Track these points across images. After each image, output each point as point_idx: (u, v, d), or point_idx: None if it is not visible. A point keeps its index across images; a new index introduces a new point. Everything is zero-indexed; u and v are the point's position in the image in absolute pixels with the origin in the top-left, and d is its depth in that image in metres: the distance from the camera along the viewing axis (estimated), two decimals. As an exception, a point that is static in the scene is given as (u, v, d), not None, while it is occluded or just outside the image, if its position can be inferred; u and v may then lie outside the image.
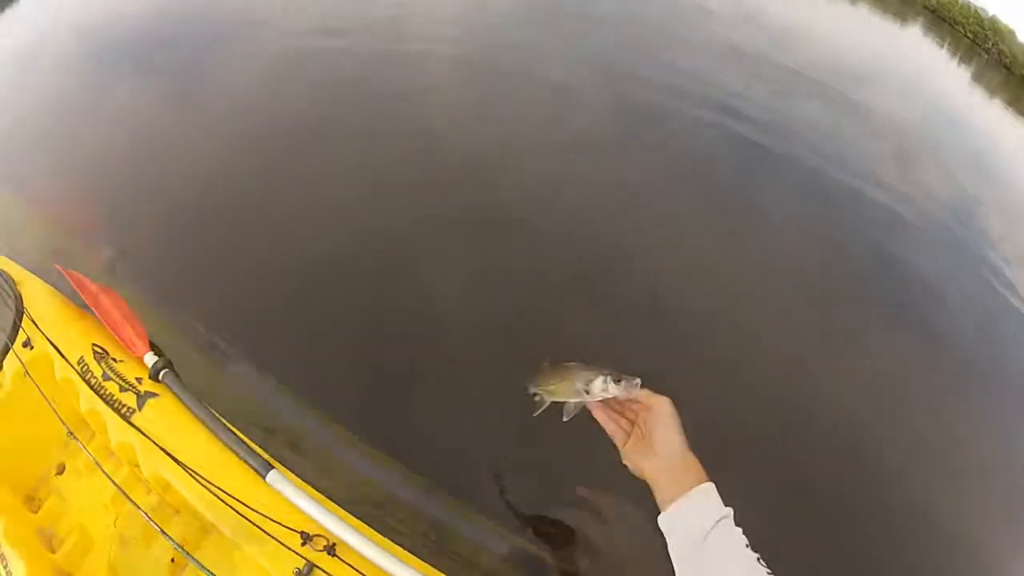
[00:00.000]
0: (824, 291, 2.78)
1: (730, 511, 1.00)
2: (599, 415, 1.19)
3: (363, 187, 2.27)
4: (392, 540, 1.42)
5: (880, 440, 2.20)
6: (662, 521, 1.04)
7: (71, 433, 1.71)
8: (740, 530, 0.98)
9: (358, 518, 1.44)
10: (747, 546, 0.95)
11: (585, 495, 1.58)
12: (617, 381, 1.12)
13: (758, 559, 0.92)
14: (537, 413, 1.25)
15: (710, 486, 1.03)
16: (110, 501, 1.67)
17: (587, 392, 1.15)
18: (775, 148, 3.69)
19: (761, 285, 2.59)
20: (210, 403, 1.60)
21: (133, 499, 1.63)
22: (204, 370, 1.73)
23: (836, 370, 2.39)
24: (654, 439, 1.09)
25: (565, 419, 1.20)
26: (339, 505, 1.46)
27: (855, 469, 2.07)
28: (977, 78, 12.40)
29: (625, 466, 1.13)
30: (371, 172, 2.34)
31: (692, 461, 1.07)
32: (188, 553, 1.55)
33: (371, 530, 1.43)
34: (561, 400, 1.21)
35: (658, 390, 1.13)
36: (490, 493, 1.64)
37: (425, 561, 1.40)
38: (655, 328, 2.16)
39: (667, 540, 1.01)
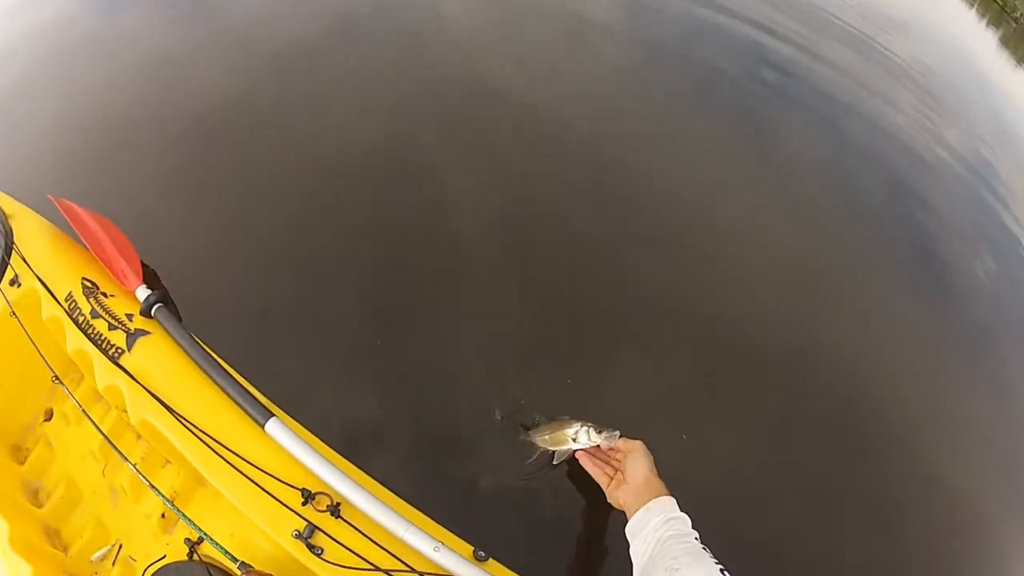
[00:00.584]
0: (834, 221, 2.67)
1: (684, 516, 1.14)
2: (586, 464, 1.34)
3: (374, 102, 2.06)
4: (404, 499, 1.24)
5: (880, 382, 2.10)
6: (627, 531, 1.18)
7: (56, 377, 1.56)
8: (689, 521, 1.12)
9: (368, 474, 1.25)
10: (697, 539, 1.08)
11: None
12: (599, 432, 1.33)
13: (703, 548, 1.05)
14: (531, 460, 1.42)
15: (668, 498, 1.18)
16: (97, 449, 1.52)
17: (575, 440, 1.35)
18: (796, 81, 3.49)
19: (770, 213, 2.46)
20: (211, 342, 1.43)
21: (121, 448, 1.48)
22: (205, 304, 1.55)
23: (837, 305, 2.26)
24: (627, 472, 1.26)
25: (555, 463, 1.39)
26: (347, 459, 1.27)
27: (852, 410, 1.95)
28: (1004, 42, 11.77)
29: (610, 505, 1.28)
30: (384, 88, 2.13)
31: (655, 482, 1.21)
32: (179, 510, 1.39)
33: (381, 487, 1.25)
34: (554, 448, 1.38)
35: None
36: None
37: (441, 524, 1.21)
38: (663, 243, 2.06)
39: (630, 547, 1.16)
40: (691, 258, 2.08)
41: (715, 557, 1.02)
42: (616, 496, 1.25)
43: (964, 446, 2.17)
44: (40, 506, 1.58)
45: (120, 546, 1.50)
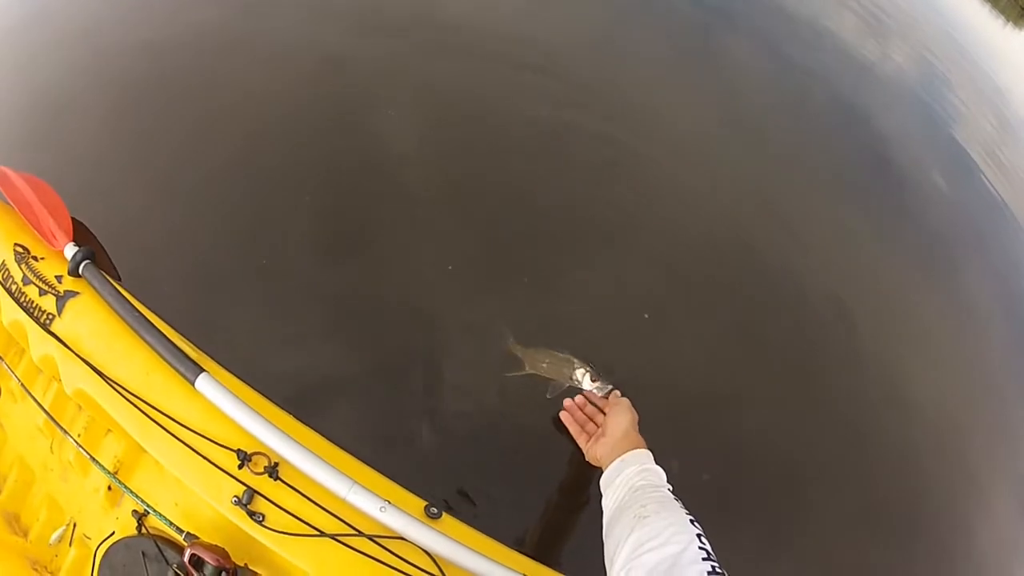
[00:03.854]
0: (783, 138, 2.62)
1: (659, 469, 1.10)
2: (567, 421, 1.30)
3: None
4: (352, 453, 1.10)
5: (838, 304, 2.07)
6: (600, 483, 1.13)
7: (-7, 352, 1.45)
8: (663, 474, 1.08)
9: (312, 427, 1.11)
10: (670, 490, 1.03)
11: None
12: (594, 380, 1.32)
13: (675, 498, 1.00)
14: (511, 375, 1.36)
15: (645, 451, 1.14)
16: (43, 425, 1.42)
17: (572, 380, 1.33)
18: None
19: (719, 141, 2.37)
20: (151, 294, 1.30)
21: (63, 422, 1.38)
22: (145, 256, 1.43)
23: (789, 229, 2.21)
24: (607, 427, 1.22)
25: (548, 396, 1.34)
26: (288, 412, 1.14)
27: (809, 324, 1.94)
28: None
29: (582, 460, 1.24)
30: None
31: (634, 435, 1.18)
32: (122, 483, 1.28)
33: (325, 442, 1.11)
34: (546, 377, 1.35)
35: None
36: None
37: (391, 478, 1.08)
38: (613, 179, 1.94)
39: (602, 498, 1.10)
40: (638, 177, 1.99)
41: (686, 508, 0.97)
42: (594, 451, 1.21)
43: (923, 353, 2.20)
44: (-1, 492, 1.50)
45: (74, 525, 1.40)
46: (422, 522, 1.03)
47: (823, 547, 1.59)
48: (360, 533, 1.03)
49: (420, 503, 1.08)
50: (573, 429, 1.29)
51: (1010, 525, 2.06)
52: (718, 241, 1.94)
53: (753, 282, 1.91)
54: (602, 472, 1.15)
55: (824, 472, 1.66)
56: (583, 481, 1.30)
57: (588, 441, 1.25)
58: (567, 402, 1.32)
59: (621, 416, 1.23)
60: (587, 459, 1.23)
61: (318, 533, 1.05)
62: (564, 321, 1.51)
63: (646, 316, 1.60)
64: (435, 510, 1.07)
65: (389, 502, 1.03)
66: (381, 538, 1.03)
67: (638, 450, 1.14)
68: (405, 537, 1.03)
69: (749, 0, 3.48)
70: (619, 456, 1.13)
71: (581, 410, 1.32)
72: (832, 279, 2.16)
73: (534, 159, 1.85)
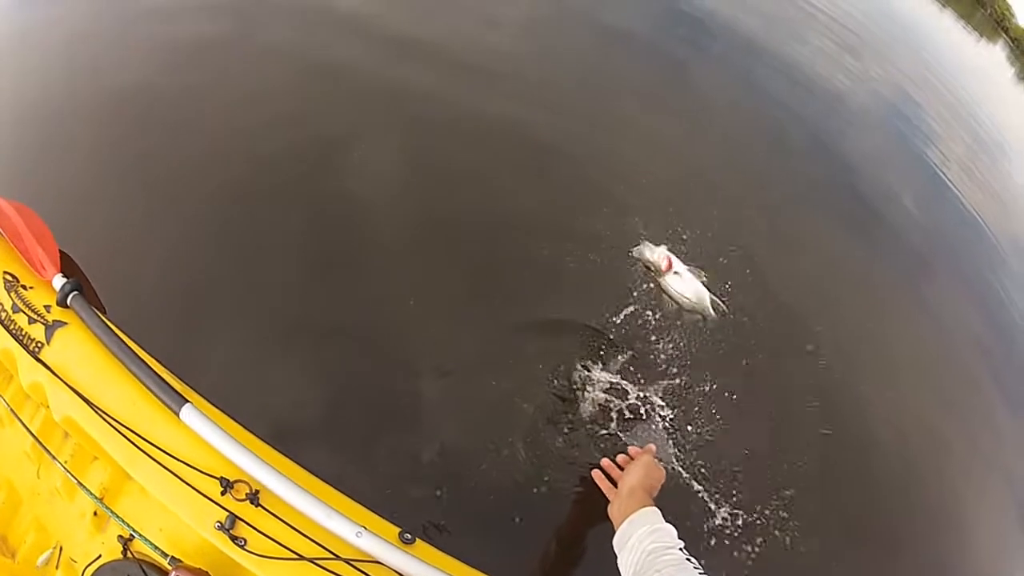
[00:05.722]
0: (763, 170, 2.74)
1: (669, 527, 1.12)
2: (598, 479, 1.34)
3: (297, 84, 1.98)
4: (328, 482, 1.14)
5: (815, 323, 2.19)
6: (613, 544, 1.16)
7: (-19, 378, 1.49)
8: (674, 532, 1.10)
9: (288, 457, 1.16)
10: (682, 548, 1.06)
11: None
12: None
13: (688, 559, 1.03)
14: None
15: (652, 509, 1.17)
16: (31, 450, 1.45)
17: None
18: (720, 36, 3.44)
19: (701, 166, 2.51)
20: (132, 326, 1.34)
21: (50, 447, 1.41)
22: (127, 290, 1.47)
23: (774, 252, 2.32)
24: (620, 485, 1.27)
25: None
26: (267, 443, 1.18)
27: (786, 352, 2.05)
28: None
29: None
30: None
31: (640, 493, 1.22)
32: (108, 508, 1.32)
33: (302, 471, 1.16)
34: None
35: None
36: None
37: (363, 504, 1.12)
38: (596, 208, 2.05)
39: (618, 559, 1.14)
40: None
41: (700, 568, 1.01)
42: (609, 509, 1.25)
43: (896, 363, 2.33)
44: (-14, 516, 1.53)
45: (61, 548, 1.43)
46: (397, 547, 1.08)
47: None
48: (338, 557, 1.07)
49: (394, 529, 1.13)
50: (604, 487, 1.33)
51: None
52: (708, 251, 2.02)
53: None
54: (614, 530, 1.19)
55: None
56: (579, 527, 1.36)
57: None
58: (604, 461, 1.38)
59: (630, 475, 1.27)
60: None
61: (297, 557, 1.09)
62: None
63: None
64: (409, 536, 1.12)
65: (365, 528, 1.08)
66: (358, 562, 1.07)
67: (645, 509, 1.16)
68: (381, 561, 1.08)
69: (725, 30, 3.54)
70: (628, 516, 1.16)
71: (607, 472, 1.36)
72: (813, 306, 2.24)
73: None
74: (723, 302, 1.65)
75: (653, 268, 1.60)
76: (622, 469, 1.35)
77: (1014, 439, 2.61)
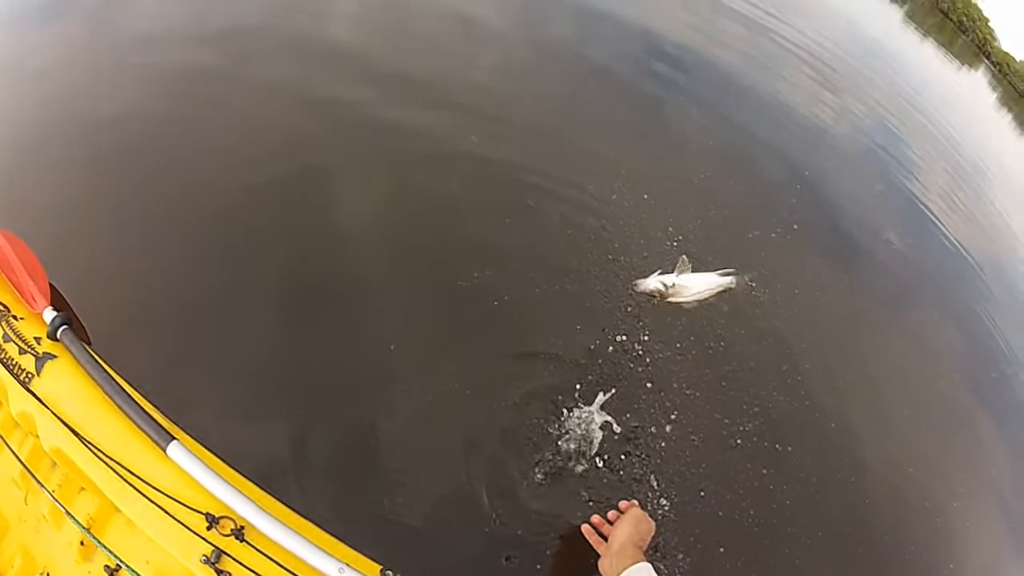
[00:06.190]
0: (741, 208, 2.78)
1: None
2: (587, 534, 1.35)
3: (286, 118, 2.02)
4: (312, 520, 1.17)
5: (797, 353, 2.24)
6: None
7: (-31, 406, 1.50)
8: None
9: (271, 494, 1.19)
10: None
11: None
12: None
13: None
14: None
15: (644, 564, 1.18)
16: (19, 477, 1.46)
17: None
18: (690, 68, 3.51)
19: (678, 203, 2.55)
20: (119, 360, 1.37)
21: (39, 475, 1.43)
22: (114, 324, 1.49)
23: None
24: (610, 541, 1.28)
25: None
26: (252, 481, 1.21)
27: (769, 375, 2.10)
28: (909, 17, 11.53)
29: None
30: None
31: (630, 549, 1.23)
32: (95, 538, 1.34)
33: (285, 508, 1.19)
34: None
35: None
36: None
37: (346, 543, 1.15)
38: (577, 242, 2.13)
39: None
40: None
41: None
42: (600, 565, 1.27)
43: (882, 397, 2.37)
44: (-28, 540, 1.54)
45: (48, 575, 1.45)
46: (378, 584, 1.11)
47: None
48: (320, 594, 1.10)
49: (376, 566, 1.16)
50: (593, 540, 1.36)
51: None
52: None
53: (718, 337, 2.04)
54: None
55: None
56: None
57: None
58: (594, 518, 1.40)
59: (620, 530, 1.29)
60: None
61: (281, 592, 1.12)
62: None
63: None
64: (390, 573, 1.14)
65: (347, 565, 1.10)
66: (339, 598, 1.10)
67: (637, 565, 1.18)
68: (363, 598, 1.10)
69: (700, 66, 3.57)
70: (619, 572, 1.17)
71: (598, 529, 1.38)
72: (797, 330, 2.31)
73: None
74: (733, 272, 1.71)
75: (657, 296, 1.66)
76: (612, 524, 1.37)
77: (999, 455, 2.66)
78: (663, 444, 1.71)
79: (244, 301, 1.59)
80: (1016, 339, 3.25)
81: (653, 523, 1.36)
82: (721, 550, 1.59)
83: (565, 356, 1.74)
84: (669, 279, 1.66)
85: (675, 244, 2.25)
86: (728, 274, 1.71)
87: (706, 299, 1.70)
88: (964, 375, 2.93)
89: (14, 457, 1.46)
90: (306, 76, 2.27)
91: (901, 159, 4.18)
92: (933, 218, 3.76)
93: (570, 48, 3.22)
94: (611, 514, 1.40)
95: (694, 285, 1.68)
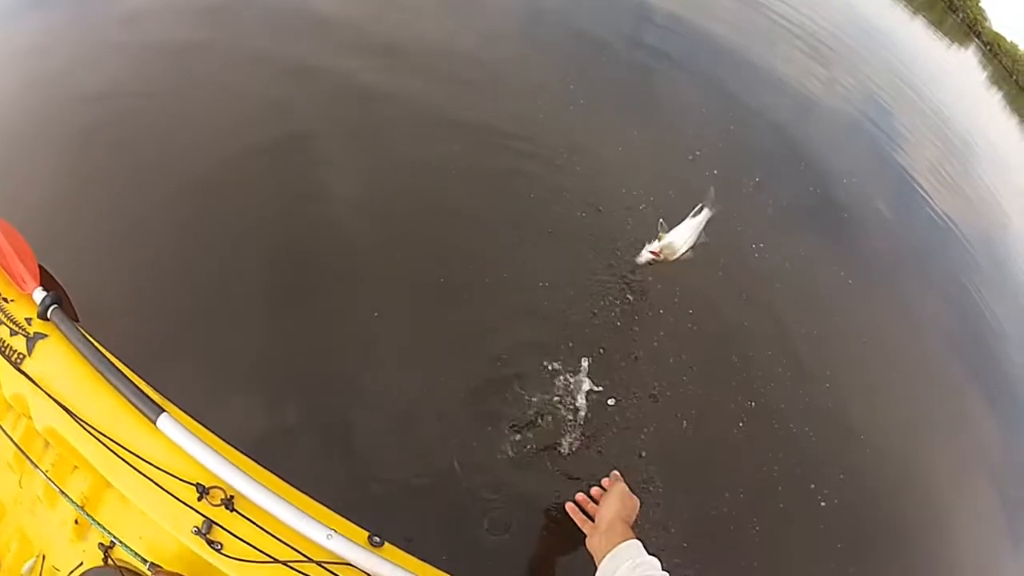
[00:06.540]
0: (729, 173, 2.79)
1: (652, 560, 1.12)
2: (572, 512, 1.35)
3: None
4: (300, 488, 1.19)
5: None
6: None
7: (-39, 389, 1.52)
8: (657, 564, 1.11)
9: (261, 464, 1.21)
10: None
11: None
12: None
13: None
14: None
15: (634, 542, 1.17)
16: (13, 459, 1.48)
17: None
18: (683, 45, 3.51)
19: (664, 175, 2.56)
20: (110, 337, 1.38)
21: (32, 456, 1.45)
22: (104, 302, 1.51)
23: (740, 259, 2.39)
24: (597, 516, 1.29)
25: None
26: (241, 451, 1.23)
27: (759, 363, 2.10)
28: None
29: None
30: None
31: (619, 526, 1.23)
32: (89, 515, 1.36)
33: (274, 477, 1.21)
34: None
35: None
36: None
37: (334, 510, 1.17)
38: (565, 236, 2.12)
39: None
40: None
41: None
42: (589, 543, 1.27)
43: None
44: (-28, 527, 1.56)
45: (44, 557, 1.47)
46: (366, 549, 1.13)
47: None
48: (309, 559, 1.12)
49: (363, 532, 1.18)
50: (578, 519, 1.35)
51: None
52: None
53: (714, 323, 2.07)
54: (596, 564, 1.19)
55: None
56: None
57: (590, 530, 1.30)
58: (578, 495, 1.39)
59: (606, 507, 1.28)
60: (586, 545, 1.28)
61: (271, 560, 1.14)
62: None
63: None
64: (378, 539, 1.17)
65: (335, 531, 1.13)
66: (329, 564, 1.12)
67: (627, 542, 1.17)
68: (351, 563, 1.13)
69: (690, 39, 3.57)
70: (609, 550, 1.17)
71: (582, 507, 1.37)
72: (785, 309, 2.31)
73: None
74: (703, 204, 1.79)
75: (656, 260, 1.79)
76: (597, 502, 1.36)
77: (992, 436, 2.69)
78: (649, 413, 1.72)
79: (232, 275, 1.60)
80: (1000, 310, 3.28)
81: (637, 500, 1.35)
82: (708, 522, 1.61)
83: (552, 317, 1.76)
84: (656, 245, 1.76)
85: (646, 207, 2.26)
86: (700, 210, 1.82)
87: (700, 240, 1.80)
88: (952, 346, 2.95)
89: (8, 440, 1.47)
90: (292, 47, 2.27)
91: (891, 133, 4.18)
92: (922, 191, 3.78)
93: (559, 17, 3.21)
94: (594, 491, 1.39)
95: (680, 237, 1.78)
